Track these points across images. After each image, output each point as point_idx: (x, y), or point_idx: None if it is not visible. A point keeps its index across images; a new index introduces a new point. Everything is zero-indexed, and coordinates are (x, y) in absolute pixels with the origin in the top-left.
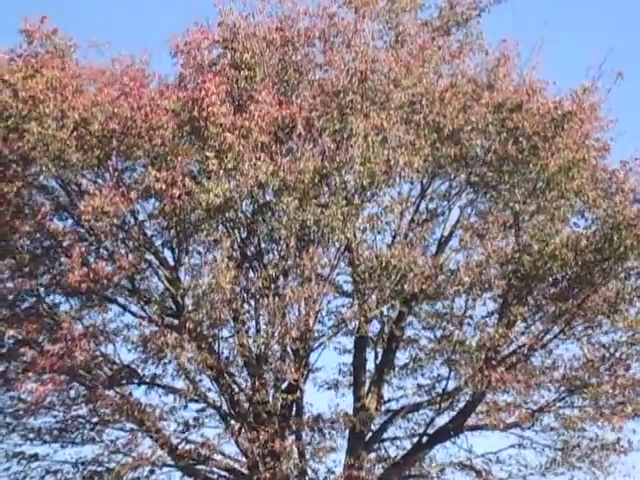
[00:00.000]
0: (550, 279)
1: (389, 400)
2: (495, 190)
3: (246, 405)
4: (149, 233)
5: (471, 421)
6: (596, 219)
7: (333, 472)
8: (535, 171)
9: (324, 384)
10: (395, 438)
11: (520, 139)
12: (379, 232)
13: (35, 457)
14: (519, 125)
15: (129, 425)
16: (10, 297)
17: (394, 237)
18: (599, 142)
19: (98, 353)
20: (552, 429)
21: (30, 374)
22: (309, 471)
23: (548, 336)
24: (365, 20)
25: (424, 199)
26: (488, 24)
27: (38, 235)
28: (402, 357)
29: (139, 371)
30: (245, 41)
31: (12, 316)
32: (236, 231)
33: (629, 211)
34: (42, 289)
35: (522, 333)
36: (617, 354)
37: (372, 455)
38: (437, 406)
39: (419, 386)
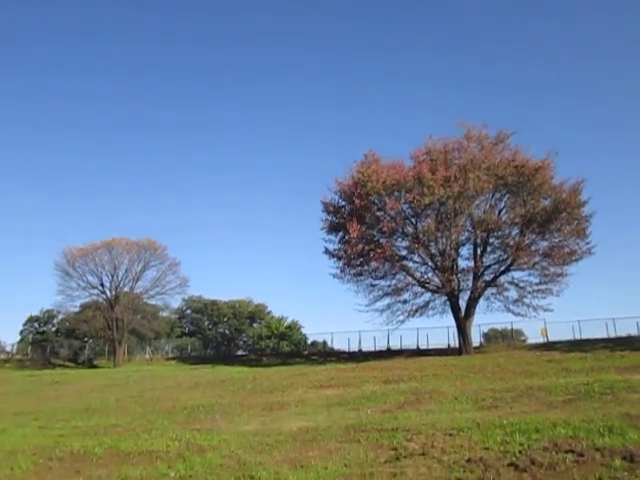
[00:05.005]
0: (537, 220)
1: (484, 262)
2: (516, 195)
3: (440, 265)
4: (408, 214)
5: (512, 267)
6: (552, 200)
7: (469, 286)
8: (529, 186)
9: (464, 259)
10: (487, 275)
11: (524, 176)
12: (479, 208)
13: None
14: (523, 171)
15: (404, 273)
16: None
17: (484, 210)
18: (551, 173)
19: (394, 253)
20: (539, 268)
21: (375, 258)
22: (460, 286)
23: (537, 239)
24: (470, 143)
25: (493, 198)
26: (514, 138)
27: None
28: (487, 249)
29: (407, 256)
30: (438, 153)
31: (365, 243)
32: (434, 212)
33: (563, 196)
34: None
35: (528, 238)
36: (559, 244)
37: (480, 280)
38: (500, 264)
39: (495, 258)
